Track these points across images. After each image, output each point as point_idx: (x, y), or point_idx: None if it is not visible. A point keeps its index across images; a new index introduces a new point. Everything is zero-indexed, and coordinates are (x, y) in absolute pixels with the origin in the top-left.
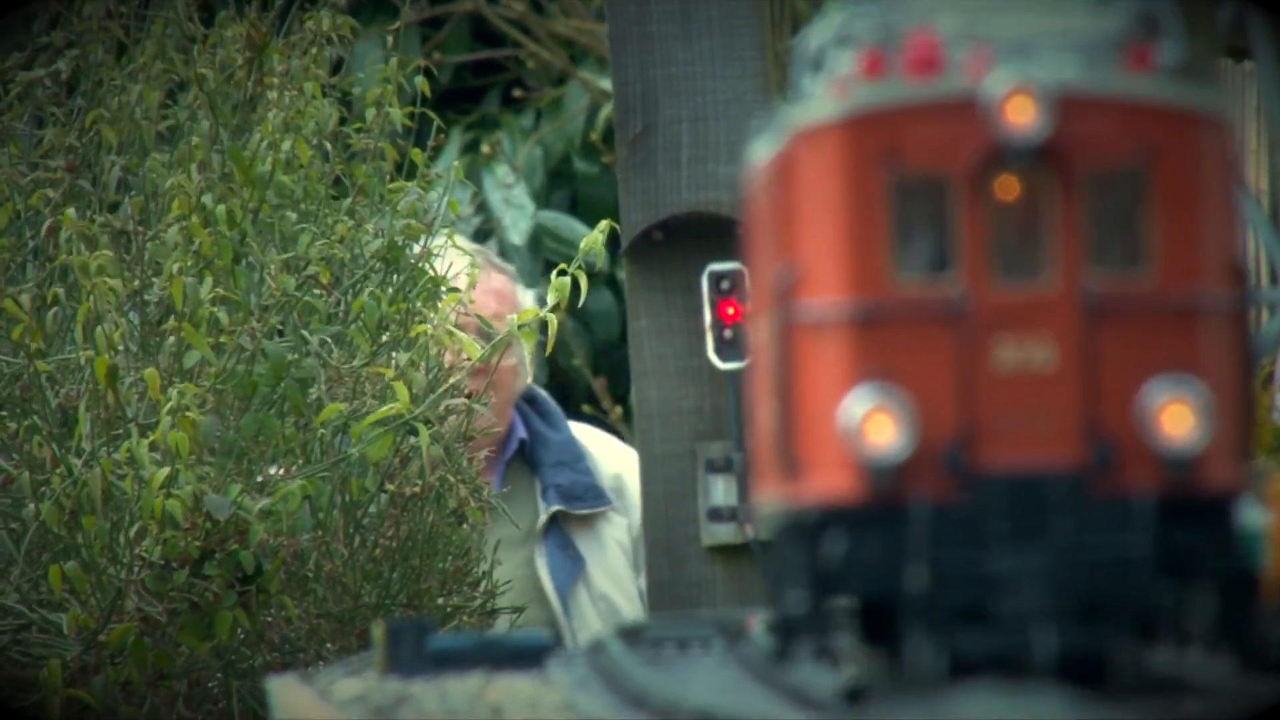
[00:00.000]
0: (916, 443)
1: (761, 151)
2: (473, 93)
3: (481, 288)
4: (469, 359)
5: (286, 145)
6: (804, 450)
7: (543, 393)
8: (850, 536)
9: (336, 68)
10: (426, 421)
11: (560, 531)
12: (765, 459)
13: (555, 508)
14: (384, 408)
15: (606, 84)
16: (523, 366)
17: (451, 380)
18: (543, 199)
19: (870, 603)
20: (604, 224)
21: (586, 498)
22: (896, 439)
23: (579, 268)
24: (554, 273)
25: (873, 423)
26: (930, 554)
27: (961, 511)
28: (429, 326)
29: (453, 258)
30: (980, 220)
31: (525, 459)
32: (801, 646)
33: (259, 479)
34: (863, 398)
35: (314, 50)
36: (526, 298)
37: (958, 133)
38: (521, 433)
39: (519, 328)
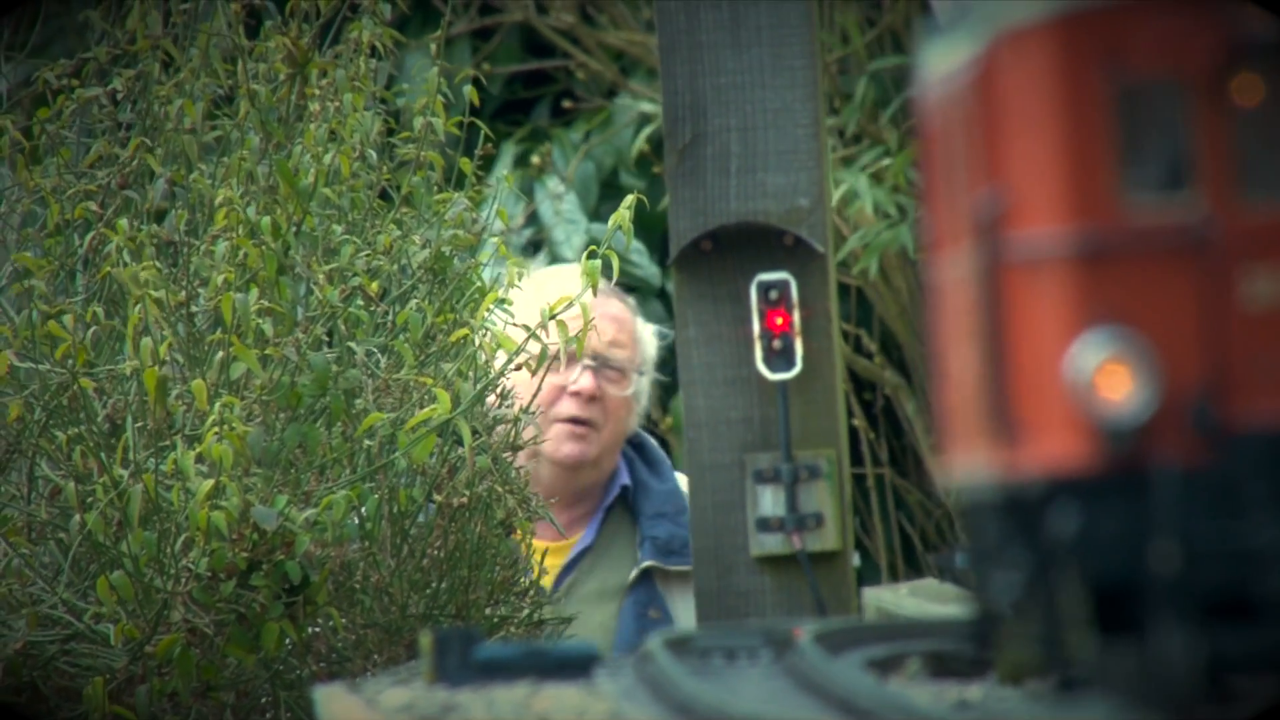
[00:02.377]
0: (1159, 397)
1: (945, 57)
2: (523, 104)
3: (600, 313)
4: (519, 368)
5: (329, 158)
6: (1022, 411)
7: (651, 440)
8: (1083, 510)
9: (390, 81)
10: (475, 432)
11: (651, 588)
12: (963, 419)
13: (647, 563)
14: (426, 409)
15: (649, 104)
16: (637, 404)
17: (497, 371)
18: (593, 212)
19: (1109, 588)
20: (630, 199)
21: (684, 553)
22: (1135, 393)
23: (609, 248)
24: (583, 255)
25: (1106, 375)
26: (1180, 528)
27: (1213, 476)
28: (469, 330)
29: (567, 277)
30: (1220, 129)
31: (627, 507)
32: (1007, 640)
33: (305, 490)
34: (1093, 346)
35: (358, 60)
36: (647, 331)
37: (1189, 28)
38: (625, 479)
39: (551, 318)
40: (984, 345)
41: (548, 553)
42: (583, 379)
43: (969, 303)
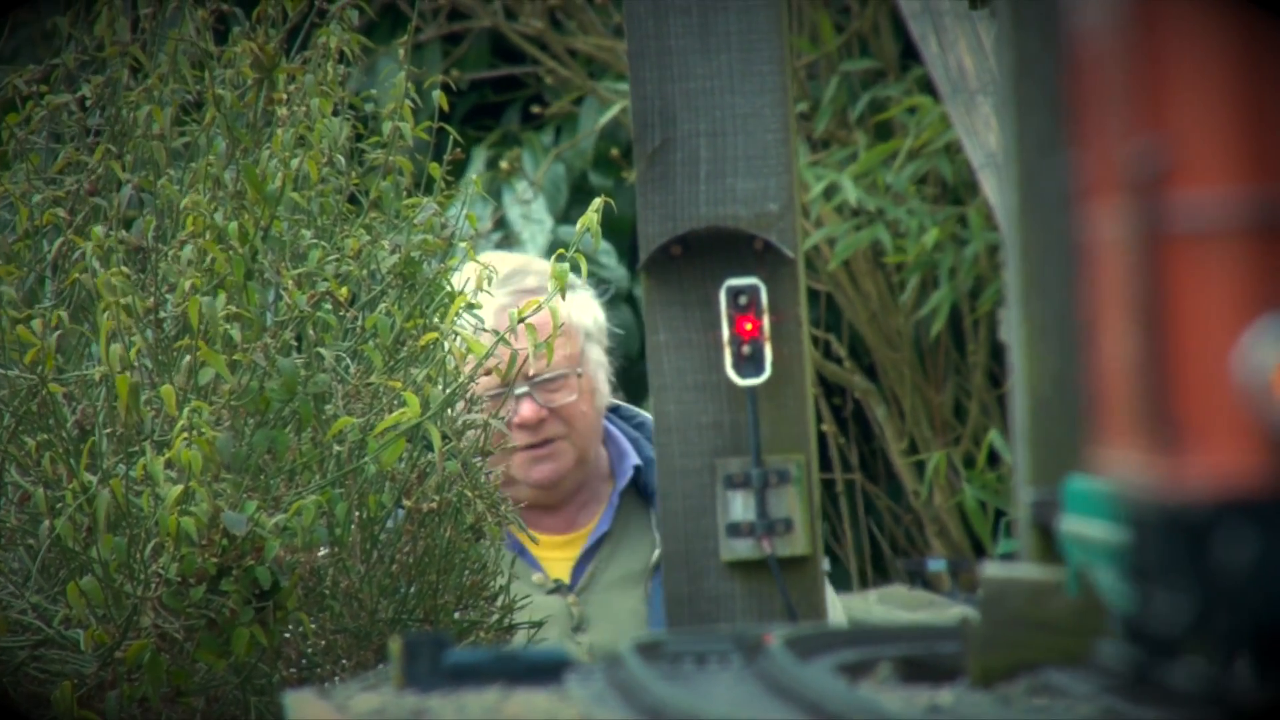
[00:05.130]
0: None
1: None
2: (493, 109)
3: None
4: (488, 372)
5: (296, 163)
6: (1185, 412)
7: (647, 415)
8: (1259, 536)
9: (358, 87)
10: (444, 437)
11: None
12: (1118, 411)
13: None
14: (395, 414)
15: (620, 89)
16: (595, 389)
17: (465, 375)
18: (563, 215)
19: None
20: (598, 202)
21: None
22: None
23: (578, 250)
24: (553, 257)
25: None
26: None
27: None
28: (438, 334)
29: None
30: None
31: (638, 487)
32: (1172, 670)
33: (274, 495)
34: (1270, 337)
35: (326, 66)
36: (580, 303)
37: None
38: (635, 459)
39: (519, 321)
40: (1140, 328)
41: (555, 545)
42: (523, 409)
43: (1124, 272)
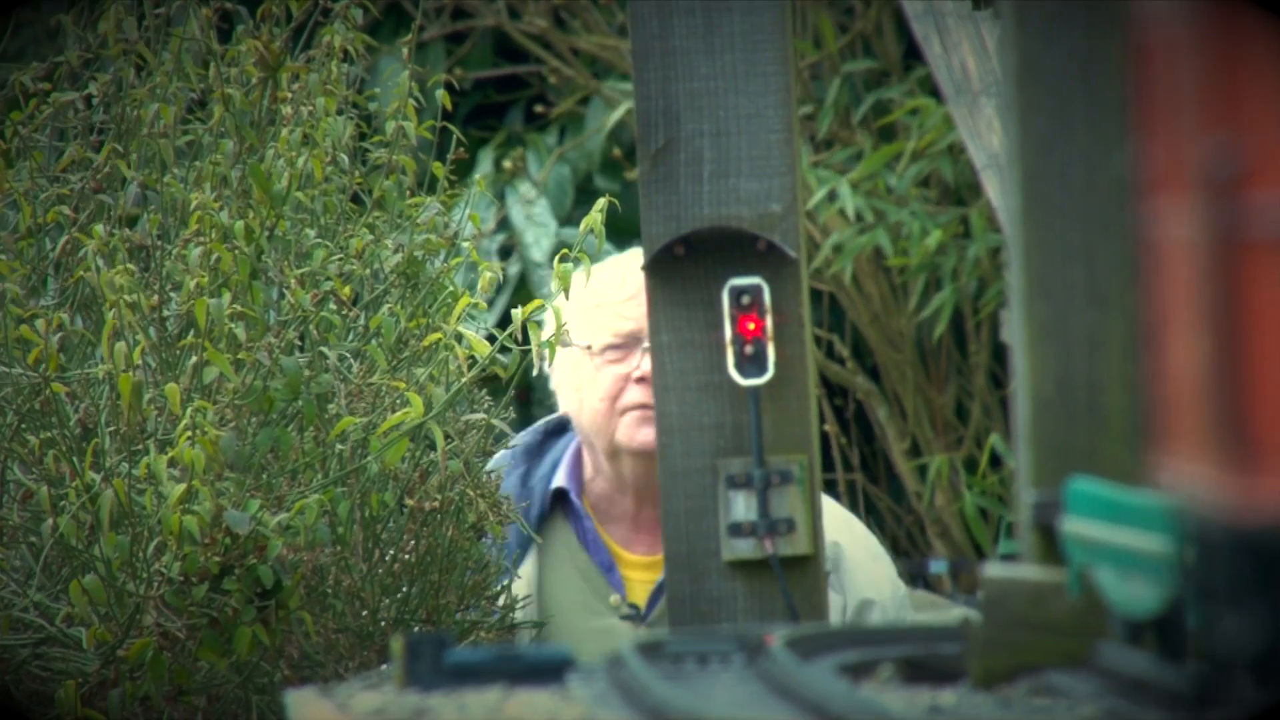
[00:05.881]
0: None
1: None
2: (497, 109)
3: (638, 290)
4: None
5: (301, 162)
6: (1259, 428)
7: None
8: None
9: (361, 85)
10: (447, 436)
11: None
12: (1185, 422)
13: None
14: (398, 413)
15: (625, 89)
16: None
17: (465, 379)
18: (568, 216)
19: None
20: (602, 202)
21: None
22: None
23: (581, 251)
24: (556, 259)
25: None
26: None
27: None
28: (442, 334)
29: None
30: None
31: None
32: (1241, 691)
33: (277, 494)
34: None
35: (331, 64)
36: None
37: None
38: None
39: (521, 322)
40: (1212, 337)
41: (641, 565)
42: (646, 363)
43: (1194, 275)
